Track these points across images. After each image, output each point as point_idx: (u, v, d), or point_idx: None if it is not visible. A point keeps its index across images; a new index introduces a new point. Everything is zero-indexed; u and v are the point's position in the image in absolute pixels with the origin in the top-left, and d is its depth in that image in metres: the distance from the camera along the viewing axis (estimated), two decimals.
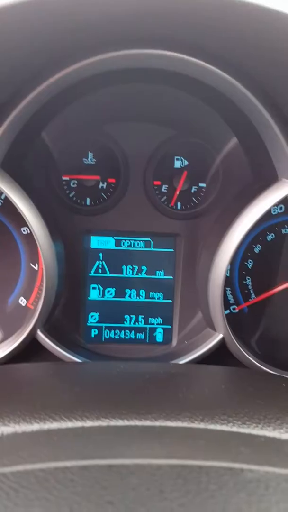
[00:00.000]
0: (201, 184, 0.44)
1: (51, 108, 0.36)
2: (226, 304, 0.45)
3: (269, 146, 0.35)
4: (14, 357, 0.41)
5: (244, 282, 0.45)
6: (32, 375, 0.31)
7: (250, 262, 0.45)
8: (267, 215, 0.44)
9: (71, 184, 0.43)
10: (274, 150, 0.35)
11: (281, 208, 0.44)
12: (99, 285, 0.45)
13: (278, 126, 0.34)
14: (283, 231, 0.45)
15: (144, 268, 0.45)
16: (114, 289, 0.45)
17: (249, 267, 0.45)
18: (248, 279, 0.45)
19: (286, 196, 0.36)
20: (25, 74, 0.33)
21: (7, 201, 0.39)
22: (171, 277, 0.45)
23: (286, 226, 0.44)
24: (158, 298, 0.45)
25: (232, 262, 0.44)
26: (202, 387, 0.30)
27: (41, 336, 0.40)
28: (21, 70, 0.32)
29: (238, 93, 0.35)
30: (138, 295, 0.45)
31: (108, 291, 0.45)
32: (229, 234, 0.37)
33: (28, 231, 0.41)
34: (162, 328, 0.45)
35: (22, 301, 0.43)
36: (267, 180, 0.37)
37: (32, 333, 0.40)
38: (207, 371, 0.33)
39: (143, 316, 0.46)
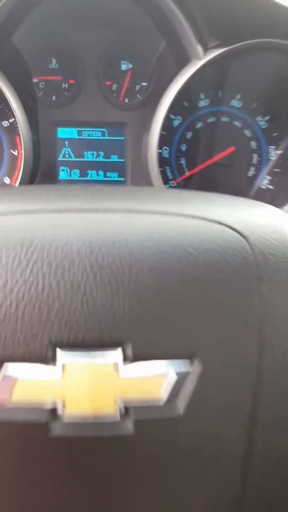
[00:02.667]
0: (143, 83, 0.55)
1: (17, 14, 0.45)
2: (166, 180, 0.58)
3: (183, 41, 0.46)
4: None
5: (179, 162, 0.58)
6: None
7: (184, 145, 0.57)
8: (194, 108, 0.56)
9: (40, 85, 0.54)
10: (187, 43, 0.46)
11: (206, 102, 0.56)
12: (66, 167, 0.57)
13: (188, 24, 0.44)
14: (208, 120, 0.57)
15: (101, 153, 0.57)
16: (79, 170, 0.57)
17: (183, 150, 0.57)
18: (183, 159, 0.58)
19: (194, 75, 0.47)
20: None
21: None
22: (123, 160, 0.57)
23: (210, 115, 0.57)
24: (114, 177, 0.58)
25: (169, 146, 0.57)
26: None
27: None
28: None
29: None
30: (97, 175, 0.58)
31: (74, 172, 0.57)
32: (155, 118, 0.49)
33: (8, 124, 0.52)
34: None
35: (7, 180, 0.55)
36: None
37: None
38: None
39: None
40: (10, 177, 0.54)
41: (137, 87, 0.55)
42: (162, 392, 0.20)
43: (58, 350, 0.20)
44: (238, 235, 0.22)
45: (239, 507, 0.22)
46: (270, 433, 0.22)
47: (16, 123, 0.47)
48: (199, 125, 0.57)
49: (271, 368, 0.21)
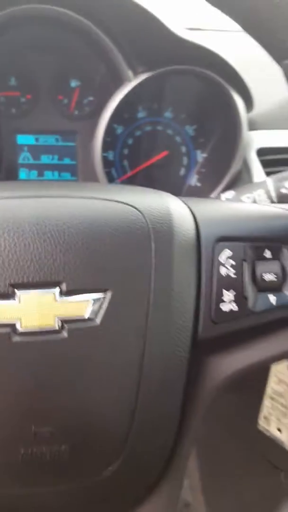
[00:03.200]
0: (90, 98, 0.66)
1: None
2: (112, 179, 0.69)
3: (117, 66, 0.57)
4: None
5: (123, 163, 0.69)
6: None
7: (126, 150, 0.68)
8: (133, 119, 0.67)
9: (1, 100, 0.63)
10: (120, 68, 0.57)
11: (143, 113, 0.67)
12: (26, 169, 0.67)
13: (119, 53, 0.56)
14: (145, 128, 0.68)
15: (56, 156, 0.67)
16: (36, 171, 0.67)
17: (126, 153, 0.68)
18: (125, 161, 0.69)
19: (128, 94, 0.58)
20: None
21: None
22: (75, 162, 0.68)
23: (147, 125, 0.68)
24: (67, 177, 0.68)
25: (113, 150, 0.68)
26: None
27: None
28: None
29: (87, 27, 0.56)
30: (53, 175, 0.68)
31: (32, 173, 0.67)
32: (98, 127, 0.59)
33: None
34: None
35: None
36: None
37: None
38: None
39: None
40: None
41: (85, 101, 0.65)
42: (86, 312, 0.31)
43: (16, 289, 0.31)
44: (136, 211, 0.33)
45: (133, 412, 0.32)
46: (160, 345, 0.33)
47: None
48: (138, 133, 0.68)
49: (156, 298, 0.32)
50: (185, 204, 0.37)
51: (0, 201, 0.33)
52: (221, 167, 0.65)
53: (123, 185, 0.41)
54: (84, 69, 0.63)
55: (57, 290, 0.31)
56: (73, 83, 0.65)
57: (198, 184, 0.70)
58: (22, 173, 0.66)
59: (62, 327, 0.31)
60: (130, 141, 0.68)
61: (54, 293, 0.31)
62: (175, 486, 0.35)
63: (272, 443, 0.56)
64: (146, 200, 0.35)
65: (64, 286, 0.31)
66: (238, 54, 0.61)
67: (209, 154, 0.69)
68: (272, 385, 0.51)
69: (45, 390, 0.31)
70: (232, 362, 0.36)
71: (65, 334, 0.31)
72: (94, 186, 0.39)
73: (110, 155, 0.67)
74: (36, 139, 0.65)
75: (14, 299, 0.31)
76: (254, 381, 0.59)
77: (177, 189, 0.70)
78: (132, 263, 0.32)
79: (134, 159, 0.68)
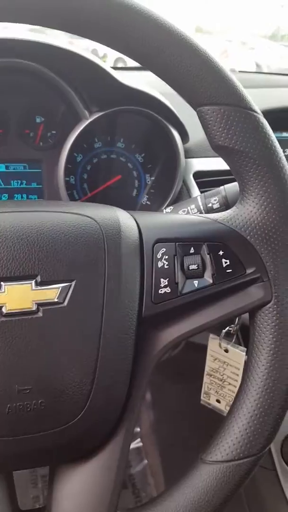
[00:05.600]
0: (53, 131, 0.77)
1: None
2: (74, 200, 0.79)
3: (74, 105, 0.69)
4: None
5: (83, 186, 0.80)
6: None
7: (85, 174, 0.79)
8: (91, 148, 0.79)
9: None
10: (76, 107, 0.69)
11: (99, 144, 0.79)
12: None
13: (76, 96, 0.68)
14: (102, 156, 0.80)
15: (24, 181, 0.77)
16: (7, 194, 0.77)
17: (85, 178, 0.79)
18: (85, 184, 0.80)
19: (85, 129, 0.70)
20: None
21: None
22: (41, 186, 0.78)
23: (103, 153, 0.79)
24: (34, 199, 0.79)
25: (75, 175, 0.79)
26: None
27: None
28: None
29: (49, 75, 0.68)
30: (22, 197, 0.78)
31: (4, 196, 0.77)
32: (61, 156, 0.71)
33: None
34: None
35: None
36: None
37: None
38: None
39: None
40: None
41: (49, 134, 0.76)
42: (55, 297, 0.41)
43: (2, 282, 0.41)
44: (93, 220, 0.44)
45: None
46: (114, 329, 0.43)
47: None
48: (95, 160, 0.79)
49: (109, 285, 0.43)
50: (131, 215, 0.48)
51: None
52: (166, 188, 0.78)
53: (82, 202, 0.51)
54: (47, 107, 0.75)
55: (33, 281, 0.41)
56: (38, 119, 0.76)
57: (148, 203, 0.82)
58: None
59: (37, 309, 0.41)
60: (88, 167, 0.79)
61: (31, 284, 0.41)
62: (128, 433, 0.45)
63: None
64: (100, 213, 0.46)
65: (39, 278, 0.41)
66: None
67: (156, 177, 0.81)
68: (209, 363, 0.62)
69: (26, 357, 0.41)
70: (169, 332, 0.47)
71: (40, 314, 0.41)
72: (59, 203, 0.50)
73: (72, 179, 0.78)
74: (7, 167, 0.76)
75: (1, 290, 0.40)
76: (197, 368, 0.70)
77: (131, 207, 0.82)
78: (90, 259, 0.43)
79: (92, 182, 0.80)
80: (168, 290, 0.45)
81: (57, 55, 0.65)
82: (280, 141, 0.48)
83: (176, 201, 0.77)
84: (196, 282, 0.46)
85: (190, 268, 0.46)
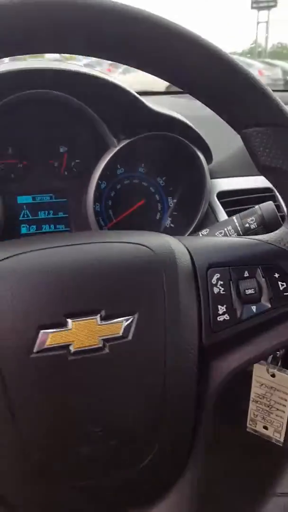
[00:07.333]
0: (77, 160, 0.78)
1: None
2: (101, 226, 0.80)
3: (103, 135, 0.70)
4: None
5: (108, 213, 0.81)
6: None
7: (110, 201, 0.80)
8: (114, 175, 0.80)
9: (1, 166, 0.74)
10: (105, 136, 0.70)
11: (122, 170, 0.80)
12: (26, 224, 0.77)
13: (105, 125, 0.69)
14: (124, 182, 0.80)
15: (51, 211, 0.78)
16: (35, 225, 0.77)
17: (110, 204, 0.80)
18: (110, 210, 0.80)
19: (113, 156, 0.71)
20: None
21: None
22: (67, 215, 0.79)
23: (126, 179, 0.80)
24: (61, 228, 0.79)
25: (100, 202, 0.80)
26: None
27: None
28: None
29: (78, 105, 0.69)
30: (49, 227, 0.78)
31: (32, 227, 0.77)
32: (90, 185, 0.71)
33: None
34: None
35: None
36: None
37: None
38: None
39: None
40: None
41: (73, 163, 0.77)
42: (120, 331, 0.41)
43: (68, 319, 0.40)
44: (149, 250, 0.45)
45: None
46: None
47: None
48: (118, 186, 0.80)
49: (169, 316, 0.43)
50: (180, 241, 0.49)
51: (41, 251, 0.43)
52: (190, 209, 0.79)
53: (131, 230, 0.52)
54: (71, 136, 0.76)
55: (98, 316, 0.41)
56: (62, 149, 0.76)
57: (172, 225, 0.83)
58: (23, 228, 0.76)
59: (104, 346, 0.41)
60: (112, 194, 0.80)
61: (96, 319, 0.41)
62: (197, 472, 0.45)
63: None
64: (154, 241, 0.46)
65: (103, 313, 0.41)
66: (195, 113, 0.75)
67: (178, 199, 0.82)
68: (255, 389, 0.62)
69: (96, 396, 0.40)
70: (230, 361, 0.47)
71: (107, 350, 0.41)
72: (109, 233, 0.50)
73: (97, 207, 0.79)
74: (33, 198, 0.76)
75: (67, 326, 0.40)
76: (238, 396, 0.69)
77: (156, 231, 0.82)
78: (150, 289, 0.43)
79: (117, 208, 0.80)
80: (227, 317, 0.45)
81: (84, 83, 0.66)
82: None
83: (202, 223, 0.77)
84: (254, 307, 0.46)
85: (247, 293, 0.46)
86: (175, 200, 0.83)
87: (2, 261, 0.41)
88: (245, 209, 0.68)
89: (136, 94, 0.68)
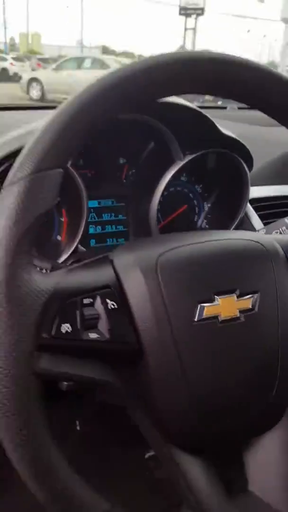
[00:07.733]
0: (137, 170, 0.90)
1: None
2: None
3: (171, 148, 0.83)
4: None
5: (158, 215, 0.93)
6: None
7: (159, 205, 0.93)
8: (176, 181, 0.92)
9: (88, 175, 0.84)
10: (173, 150, 0.84)
11: (183, 177, 0.93)
12: (93, 225, 0.87)
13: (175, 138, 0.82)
14: (170, 189, 0.93)
15: (113, 214, 0.89)
16: (100, 226, 0.88)
17: (159, 208, 0.93)
18: (159, 214, 0.93)
19: (175, 173, 0.84)
20: None
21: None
22: (125, 217, 0.90)
23: (171, 186, 0.93)
24: (120, 229, 0.90)
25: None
26: None
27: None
28: None
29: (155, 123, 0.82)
30: (111, 228, 0.89)
31: (97, 227, 0.87)
32: (155, 193, 0.83)
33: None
34: None
35: (59, 238, 0.82)
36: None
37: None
38: None
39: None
40: (60, 235, 0.82)
41: (131, 172, 0.89)
42: (249, 305, 0.55)
43: (216, 295, 0.54)
44: (259, 244, 0.59)
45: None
46: None
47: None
48: (165, 193, 0.93)
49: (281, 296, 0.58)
50: (274, 239, 0.64)
51: (184, 247, 0.56)
52: (226, 213, 0.94)
53: (232, 230, 0.63)
54: (135, 151, 0.87)
55: (235, 294, 0.55)
56: (123, 161, 0.88)
57: (207, 226, 0.98)
58: (91, 229, 0.86)
59: (240, 316, 0.55)
60: (161, 199, 0.93)
61: (234, 296, 0.55)
62: None
63: None
64: (257, 237, 0.61)
65: (237, 292, 0.55)
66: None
67: (212, 204, 0.98)
68: None
69: (237, 355, 0.54)
70: None
71: (242, 319, 0.55)
72: (218, 233, 0.64)
73: None
74: (99, 203, 0.87)
75: (216, 302, 0.54)
76: None
77: (193, 230, 0.97)
78: (265, 275, 0.58)
79: (165, 212, 0.93)
80: None
81: (171, 109, 0.78)
82: None
83: (239, 226, 0.93)
84: None
85: None
86: (209, 205, 0.98)
87: (168, 252, 0.53)
88: (274, 214, 0.85)
89: (207, 115, 0.80)
